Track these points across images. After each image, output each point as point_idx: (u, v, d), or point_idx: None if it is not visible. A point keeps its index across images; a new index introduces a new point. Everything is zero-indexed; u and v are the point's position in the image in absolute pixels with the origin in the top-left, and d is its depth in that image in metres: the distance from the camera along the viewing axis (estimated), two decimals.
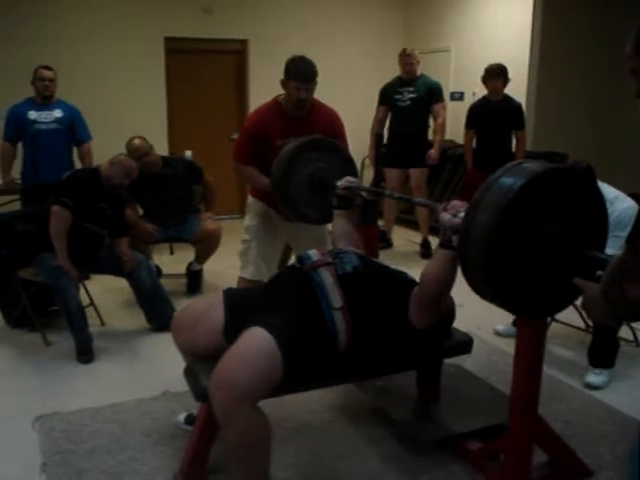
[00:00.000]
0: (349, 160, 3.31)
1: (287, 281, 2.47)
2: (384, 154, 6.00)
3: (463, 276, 2.00)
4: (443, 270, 2.16)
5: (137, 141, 4.62)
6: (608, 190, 3.26)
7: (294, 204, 3.21)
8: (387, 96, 5.93)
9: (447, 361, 2.87)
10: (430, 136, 5.97)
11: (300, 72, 3.34)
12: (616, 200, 3.31)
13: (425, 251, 6.01)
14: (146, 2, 6.76)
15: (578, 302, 1.71)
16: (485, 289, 1.91)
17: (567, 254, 1.76)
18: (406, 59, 5.82)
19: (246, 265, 3.66)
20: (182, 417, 2.83)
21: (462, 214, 2.00)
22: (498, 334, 3.98)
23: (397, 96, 5.86)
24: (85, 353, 3.66)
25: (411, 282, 2.43)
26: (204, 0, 6.98)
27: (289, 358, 2.11)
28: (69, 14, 6.47)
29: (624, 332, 3.73)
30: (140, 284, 4.03)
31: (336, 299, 2.26)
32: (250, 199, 3.73)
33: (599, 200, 1.86)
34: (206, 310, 2.46)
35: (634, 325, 3.76)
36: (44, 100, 4.91)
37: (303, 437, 2.82)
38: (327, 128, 3.48)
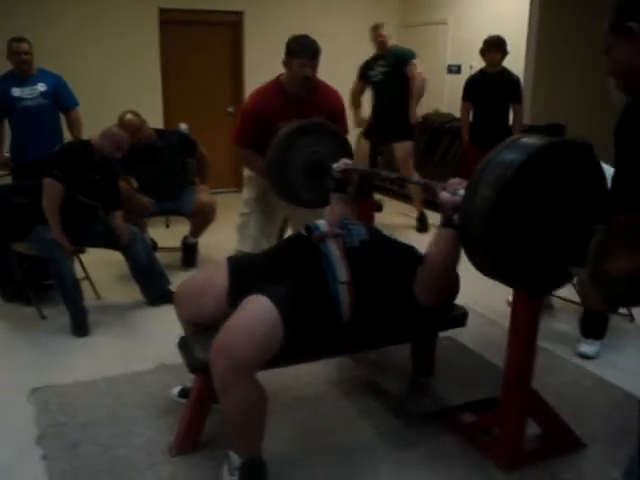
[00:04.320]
0: (344, 142, 3.28)
1: (293, 250, 2.45)
2: (368, 130, 5.95)
3: (464, 252, 1.99)
4: (446, 249, 2.16)
5: (128, 116, 4.57)
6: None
7: (290, 189, 3.18)
8: (363, 72, 5.94)
9: (442, 334, 2.88)
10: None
11: (305, 48, 3.28)
12: None
13: (421, 225, 5.98)
14: None
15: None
16: (486, 265, 1.91)
17: (570, 228, 1.75)
18: (374, 34, 5.78)
19: (244, 239, 3.63)
20: (176, 390, 2.83)
21: (461, 192, 2.00)
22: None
23: (370, 72, 5.85)
24: (80, 327, 3.66)
25: (418, 257, 2.42)
26: None
27: (290, 328, 2.11)
28: None
29: None
30: (135, 258, 4.02)
31: (342, 272, 2.26)
32: (248, 172, 3.70)
33: (598, 172, 1.84)
34: (210, 278, 2.46)
35: None
36: (24, 74, 4.76)
37: (297, 409, 2.83)
38: (330, 109, 3.46)
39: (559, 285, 2.08)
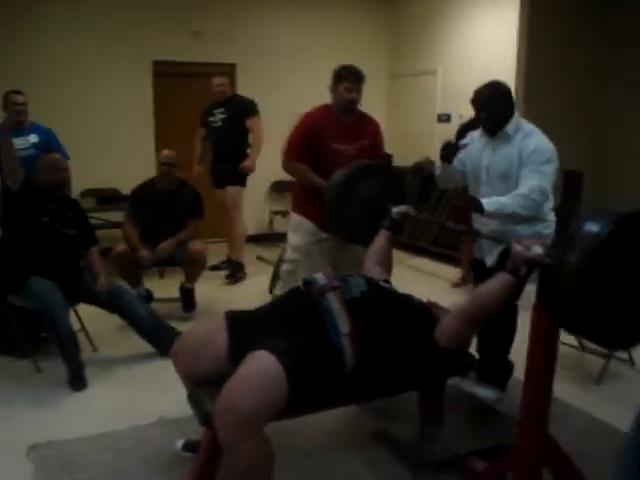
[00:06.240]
0: (399, 186, 3.41)
1: (293, 304, 2.43)
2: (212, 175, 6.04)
3: (549, 308, 2.08)
4: (501, 292, 2.26)
5: (167, 151, 4.83)
6: (525, 123, 3.20)
7: (343, 224, 3.20)
8: (203, 118, 6.05)
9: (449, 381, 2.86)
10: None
11: (351, 73, 3.57)
12: (532, 137, 3.11)
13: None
14: (135, 25, 6.78)
15: None
16: (575, 322, 2.05)
17: None
18: (214, 82, 5.91)
19: (290, 285, 3.57)
20: (180, 444, 2.77)
21: (536, 249, 2.18)
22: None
23: (210, 118, 5.94)
24: (77, 380, 3.59)
25: (417, 305, 2.43)
26: (193, 24, 7.03)
27: (295, 382, 2.09)
28: (58, 36, 6.49)
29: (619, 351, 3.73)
30: (138, 320, 3.98)
31: (344, 324, 2.25)
32: (297, 217, 3.75)
33: None
34: (209, 334, 2.41)
35: None
36: (18, 125, 4.76)
37: (303, 462, 2.77)
38: (373, 136, 3.71)
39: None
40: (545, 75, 6.47)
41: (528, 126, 3.14)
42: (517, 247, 2.24)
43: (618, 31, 6.59)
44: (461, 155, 3.28)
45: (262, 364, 2.11)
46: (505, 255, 2.45)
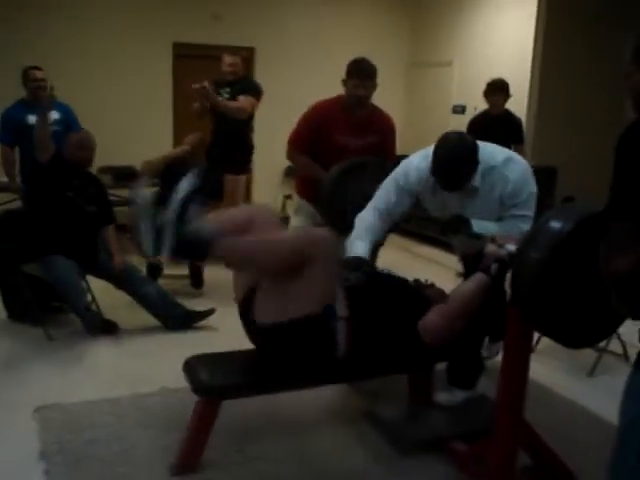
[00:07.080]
0: None
1: None
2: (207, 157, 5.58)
3: (512, 302, 2.13)
4: (475, 290, 2.36)
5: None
6: (493, 156, 2.73)
7: (335, 217, 3.28)
8: None
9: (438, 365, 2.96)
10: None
11: (359, 70, 3.53)
12: (505, 168, 2.71)
13: None
14: (155, 7, 6.88)
15: None
16: (533, 316, 2.07)
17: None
18: (227, 59, 5.59)
19: None
20: None
21: (508, 246, 2.26)
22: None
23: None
24: (106, 324, 3.98)
25: (412, 290, 2.55)
26: (213, 6, 7.11)
27: None
28: (77, 16, 6.58)
29: (614, 346, 3.80)
30: (148, 300, 4.13)
31: (341, 308, 2.36)
32: (300, 200, 3.83)
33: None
34: None
35: (625, 339, 3.81)
36: (38, 100, 4.72)
37: (293, 434, 2.88)
38: (382, 132, 3.67)
39: (597, 340, 2.25)
40: (563, 68, 6.48)
41: (495, 159, 2.71)
42: (489, 246, 2.34)
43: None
44: (414, 190, 2.90)
45: None
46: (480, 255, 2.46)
